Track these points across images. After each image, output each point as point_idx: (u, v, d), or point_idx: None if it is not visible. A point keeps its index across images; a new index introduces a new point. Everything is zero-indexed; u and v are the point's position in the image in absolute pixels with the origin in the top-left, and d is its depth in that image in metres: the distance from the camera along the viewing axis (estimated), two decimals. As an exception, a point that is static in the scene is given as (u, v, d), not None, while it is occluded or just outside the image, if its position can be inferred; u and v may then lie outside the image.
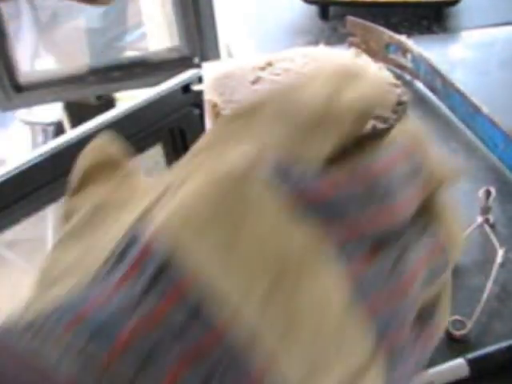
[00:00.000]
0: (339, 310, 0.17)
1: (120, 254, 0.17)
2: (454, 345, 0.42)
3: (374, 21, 0.76)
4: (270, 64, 0.33)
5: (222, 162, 0.18)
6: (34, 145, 1.79)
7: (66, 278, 0.18)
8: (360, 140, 0.19)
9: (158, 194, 0.18)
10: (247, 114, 0.19)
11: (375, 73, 0.20)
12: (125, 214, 0.19)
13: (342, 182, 0.18)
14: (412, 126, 0.21)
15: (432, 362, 0.40)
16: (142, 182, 0.22)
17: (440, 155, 0.20)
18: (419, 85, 0.70)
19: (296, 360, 0.16)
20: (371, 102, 0.19)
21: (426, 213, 0.20)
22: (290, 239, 0.17)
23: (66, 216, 0.22)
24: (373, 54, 0.70)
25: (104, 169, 0.23)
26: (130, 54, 1.47)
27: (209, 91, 0.32)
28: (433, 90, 0.69)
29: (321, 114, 0.18)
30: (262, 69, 0.33)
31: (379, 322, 0.18)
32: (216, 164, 0.18)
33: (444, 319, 0.21)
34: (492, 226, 0.50)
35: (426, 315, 0.20)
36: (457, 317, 0.43)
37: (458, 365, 0.39)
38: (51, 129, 1.72)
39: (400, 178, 0.19)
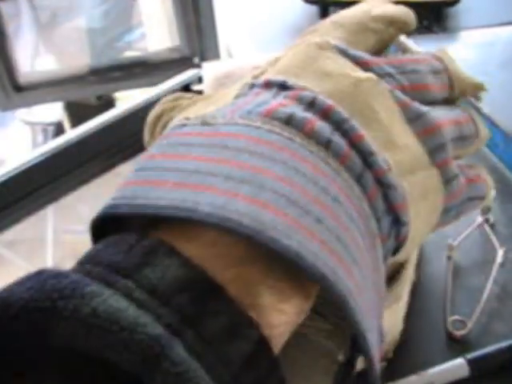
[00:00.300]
0: (401, 121, 0.24)
1: (244, 94, 0.24)
2: (453, 345, 0.42)
3: (374, 21, 0.76)
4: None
5: (302, 42, 0.26)
6: (34, 145, 1.79)
7: (203, 111, 0.24)
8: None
9: (259, 71, 0.26)
10: (313, 30, 0.28)
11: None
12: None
13: (382, 60, 0.26)
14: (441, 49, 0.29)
15: (432, 362, 0.40)
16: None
17: (468, 73, 0.29)
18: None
19: (376, 141, 0.23)
20: (398, 13, 0.28)
21: (454, 104, 0.28)
22: (360, 74, 0.24)
23: (151, 131, 0.30)
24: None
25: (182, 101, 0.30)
26: (130, 54, 1.47)
27: (209, 91, 0.32)
28: (433, 89, 0.69)
29: (362, 19, 0.27)
30: None
31: (427, 144, 0.24)
32: (299, 44, 0.26)
33: (485, 178, 0.30)
34: (492, 226, 0.50)
35: (468, 167, 0.28)
36: (457, 317, 0.43)
37: (458, 365, 0.39)
38: (51, 129, 1.72)
39: (427, 68, 0.27)
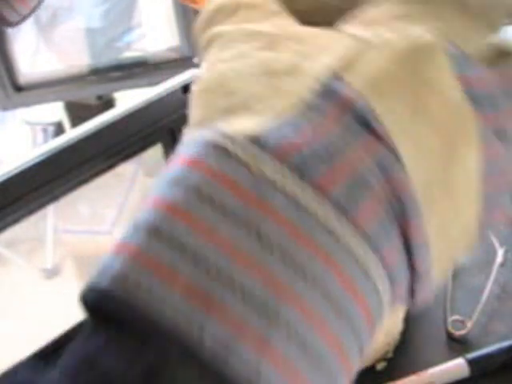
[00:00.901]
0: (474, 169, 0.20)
1: (311, 107, 0.19)
2: (454, 345, 0.42)
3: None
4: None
5: (405, 35, 0.20)
6: (34, 145, 1.79)
7: (256, 105, 0.20)
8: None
9: (341, 54, 0.20)
10: None
11: None
12: (305, 61, 0.21)
13: (495, 81, 0.21)
14: None
15: (432, 362, 0.40)
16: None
17: None
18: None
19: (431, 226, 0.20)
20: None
21: None
22: (460, 112, 0.20)
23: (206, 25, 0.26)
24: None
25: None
26: (130, 54, 1.47)
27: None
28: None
29: (482, 3, 0.22)
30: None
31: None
32: (399, 36, 0.20)
33: None
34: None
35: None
36: (457, 317, 0.43)
37: (458, 365, 0.39)
38: (51, 129, 1.72)
39: None
